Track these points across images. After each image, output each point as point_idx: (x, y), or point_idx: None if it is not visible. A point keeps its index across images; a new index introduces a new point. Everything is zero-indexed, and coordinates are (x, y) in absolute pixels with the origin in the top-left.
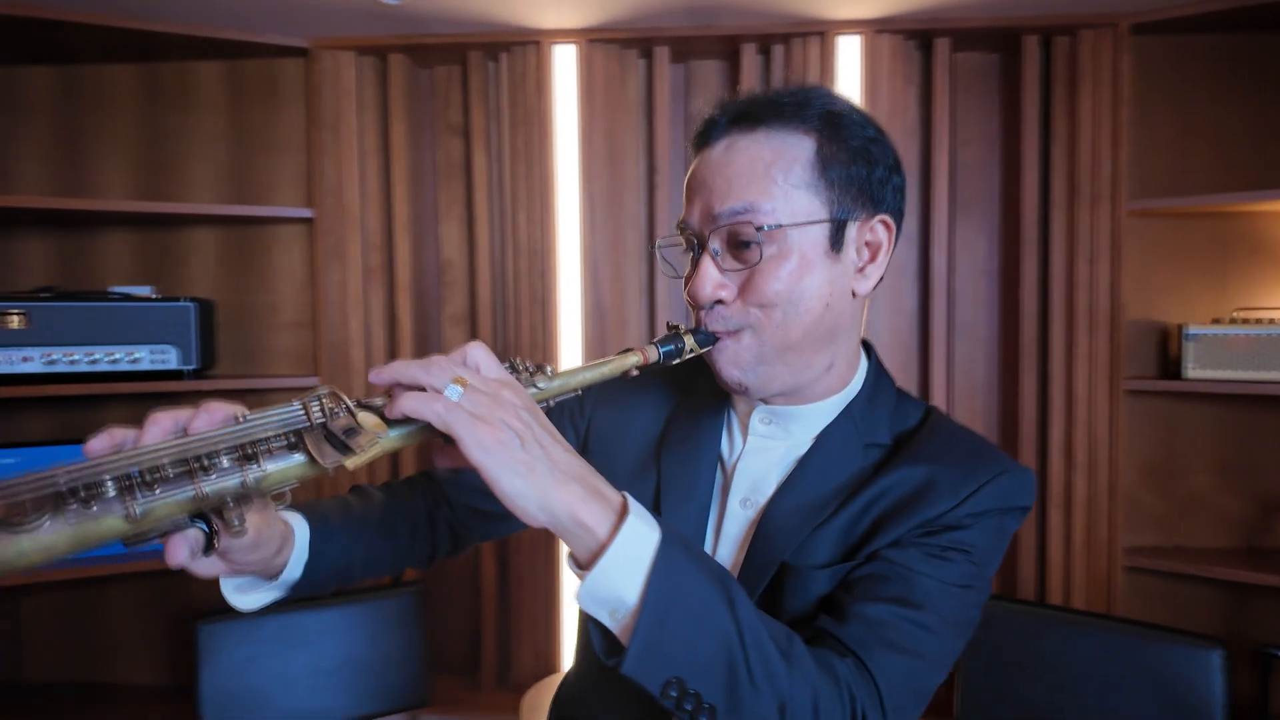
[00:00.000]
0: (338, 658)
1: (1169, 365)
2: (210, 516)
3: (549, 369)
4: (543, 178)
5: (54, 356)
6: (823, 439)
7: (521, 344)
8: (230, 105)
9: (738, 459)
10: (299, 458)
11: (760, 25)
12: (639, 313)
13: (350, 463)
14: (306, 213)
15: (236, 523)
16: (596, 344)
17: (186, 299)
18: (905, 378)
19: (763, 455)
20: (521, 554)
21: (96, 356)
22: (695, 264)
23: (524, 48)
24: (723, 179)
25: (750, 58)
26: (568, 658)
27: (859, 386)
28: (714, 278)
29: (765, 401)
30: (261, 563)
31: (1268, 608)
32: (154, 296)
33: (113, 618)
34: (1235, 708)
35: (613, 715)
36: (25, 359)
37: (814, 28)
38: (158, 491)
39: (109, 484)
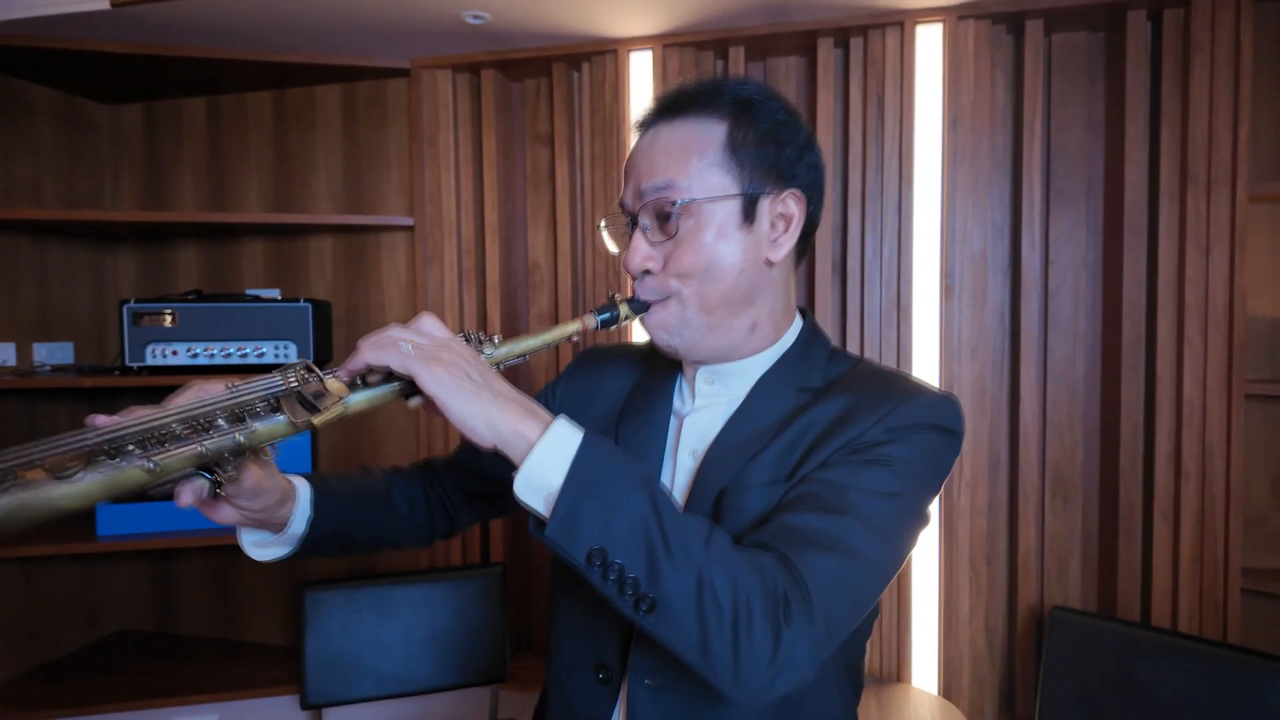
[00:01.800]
0: (426, 630)
1: None
2: (214, 468)
3: (496, 338)
4: (620, 183)
5: (196, 351)
6: (758, 386)
7: (600, 341)
8: (345, 124)
9: (686, 416)
10: (281, 418)
11: (836, 19)
12: None
13: (317, 420)
14: (408, 220)
15: (233, 471)
16: None
17: (304, 300)
18: (993, 379)
19: (707, 411)
20: None
21: (230, 351)
22: (629, 238)
23: (603, 57)
24: (648, 161)
25: (827, 51)
26: None
27: (790, 343)
28: (643, 250)
29: (702, 363)
30: (265, 512)
31: None
32: (279, 298)
33: (248, 581)
34: None
35: (564, 676)
36: (173, 353)
37: (892, 18)
38: (169, 447)
39: (131, 443)
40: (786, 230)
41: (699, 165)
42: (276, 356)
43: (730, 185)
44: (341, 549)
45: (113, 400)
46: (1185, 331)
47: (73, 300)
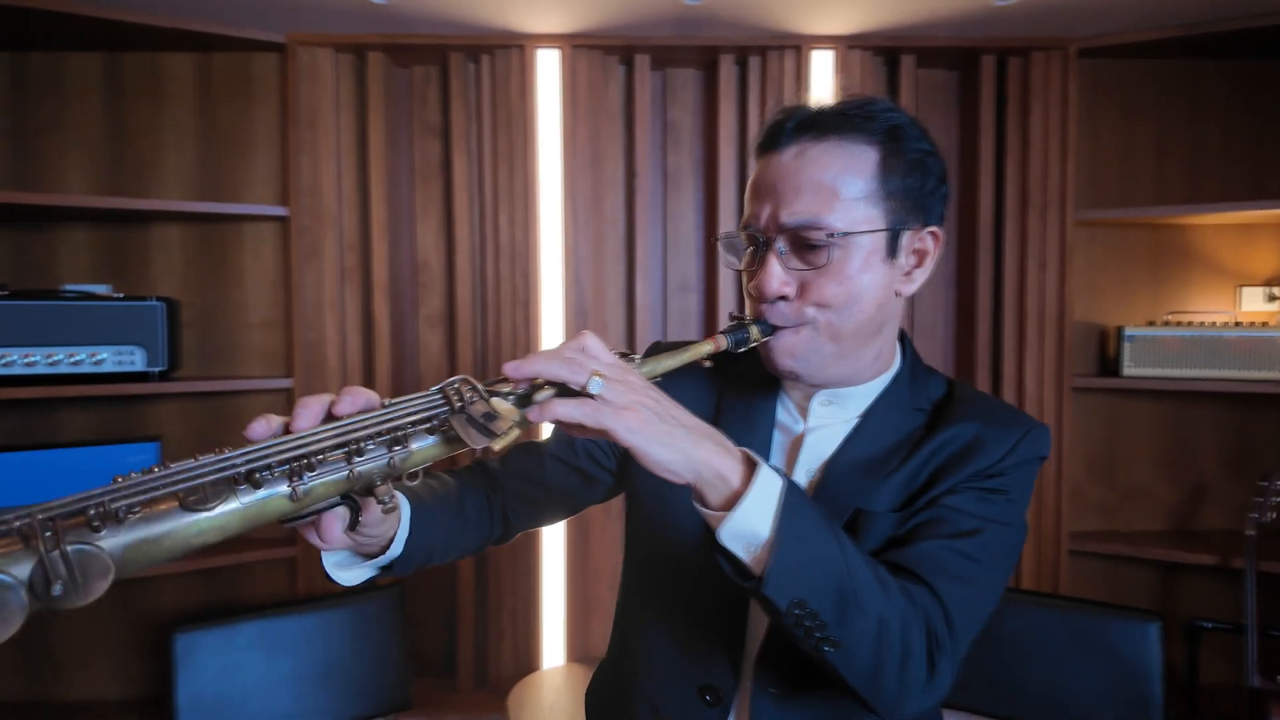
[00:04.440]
0: (318, 662)
1: (1108, 364)
2: (354, 495)
3: (635, 357)
4: (526, 180)
5: (11, 358)
6: (875, 407)
7: (503, 345)
8: (199, 99)
9: (803, 435)
10: (435, 440)
11: (738, 38)
12: (620, 315)
13: (496, 444)
14: (281, 211)
15: (388, 499)
16: None
17: (154, 298)
18: None
19: (827, 430)
20: (500, 552)
21: (57, 358)
22: (761, 260)
23: (507, 51)
24: (792, 185)
25: (728, 68)
26: (549, 655)
27: (898, 367)
28: (779, 275)
29: (819, 388)
30: (382, 538)
31: (1195, 584)
32: (115, 295)
33: (61, 629)
34: (1168, 675)
35: (658, 698)
36: None
37: (789, 42)
38: (317, 473)
39: (276, 467)
40: (920, 265)
41: (848, 195)
42: (120, 364)
43: (878, 218)
44: (421, 564)
45: None
46: (1026, 335)
47: None
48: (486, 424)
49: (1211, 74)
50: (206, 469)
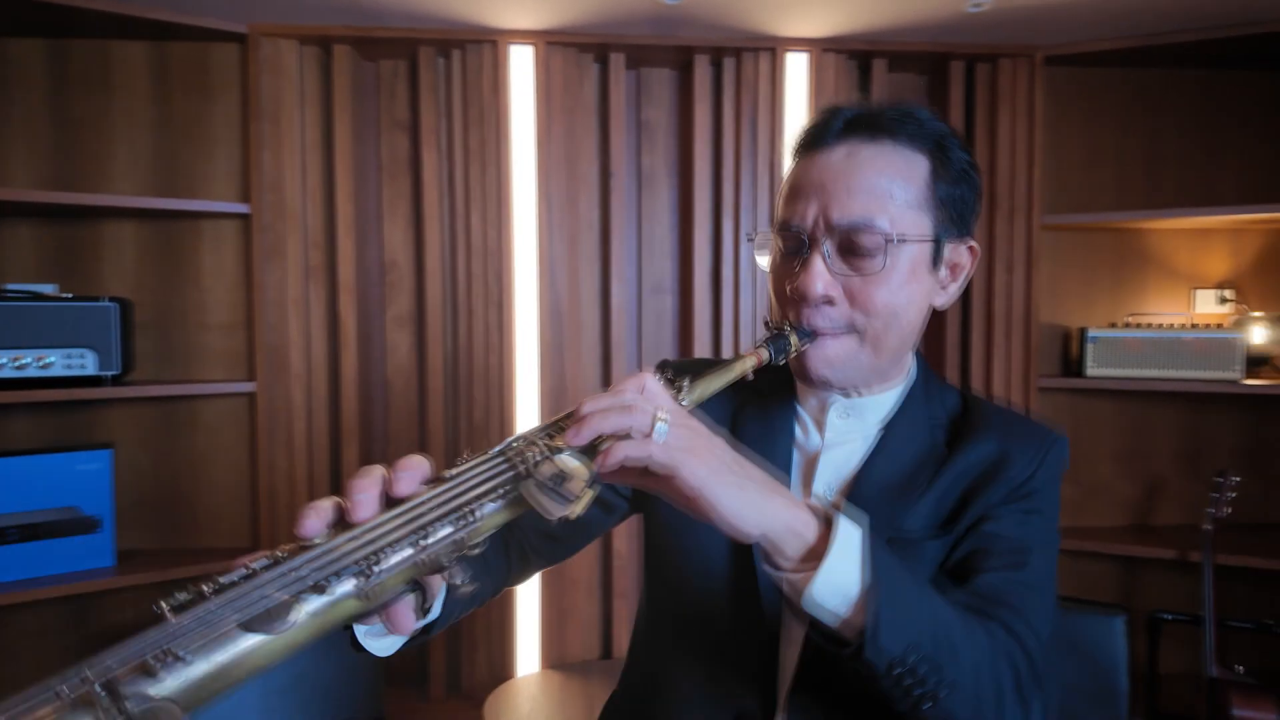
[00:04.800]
0: (285, 673)
1: (1071, 365)
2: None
3: (684, 385)
4: (499, 178)
5: None
6: (894, 424)
7: (475, 346)
8: (155, 90)
9: (819, 452)
10: (501, 507)
11: (713, 38)
12: (595, 316)
13: (574, 511)
14: (242, 208)
15: (461, 580)
16: (554, 346)
17: (108, 298)
18: None
19: (843, 448)
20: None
21: (0, 362)
22: (804, 263)
23: (479, 46)
24: (845, 186)
25: (703, 69)
26: (523, 663)
27: (914, 375)
28: (825, 277)
29: (844, 394)
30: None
31: (1155, 578)
32: (64, 295)
33: (18, 644)
34: (1133, 666)
35: None
36: None
37: (765, 44)
38: (386, 566)
39: (347, 571)
40: (955, 279)
41: (901, 201)
42: (70, 368)
43: (927, 227)
44: (450, 622)
45: None
46: (994, 336)
47: None
48: (558, 487)
49: (1169, 83)
50: (267, 584)
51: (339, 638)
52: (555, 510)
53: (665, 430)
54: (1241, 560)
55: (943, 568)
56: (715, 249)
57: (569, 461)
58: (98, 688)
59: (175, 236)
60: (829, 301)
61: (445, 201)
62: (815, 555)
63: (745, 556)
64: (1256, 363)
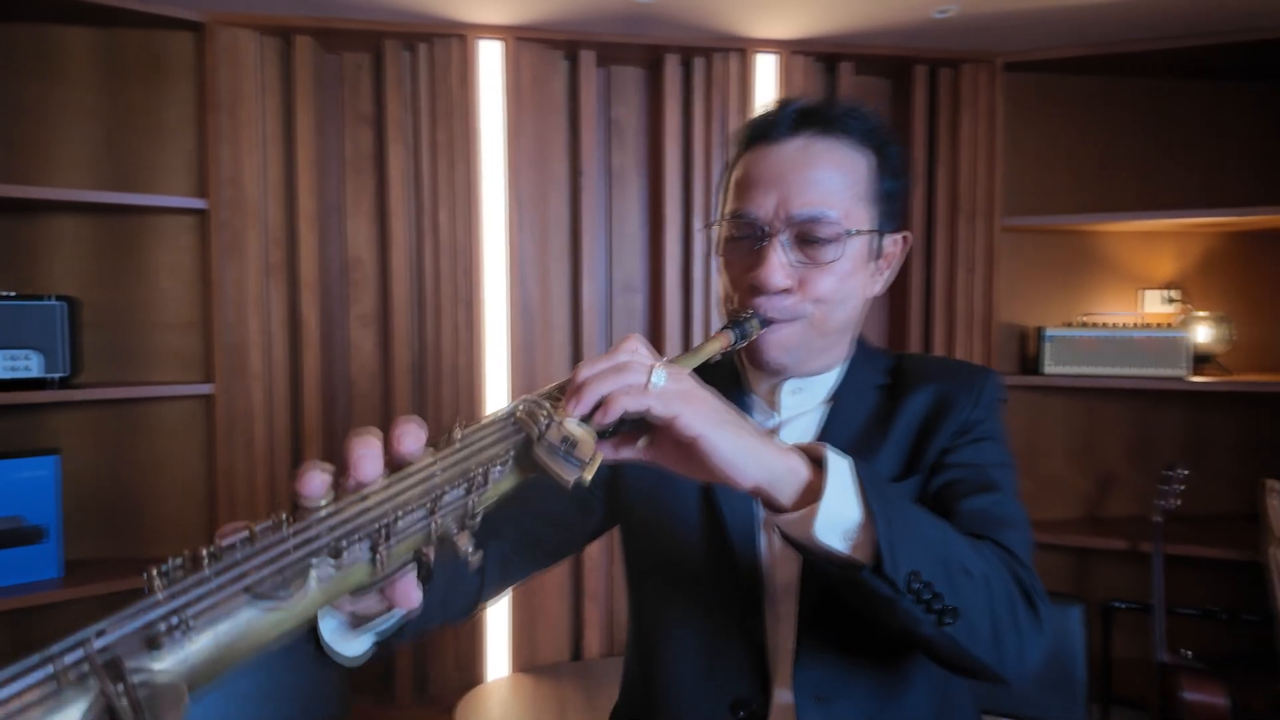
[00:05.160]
0: (246, 681)
1: (1028, 363)
2: (423, 549)
3: (661, 358)
4: (468, 174)
5: None
6: (840, 394)
7: (443, 345)
8: (103, 79)
9: (777, 427)
10: (510, 474)
11: (684, 38)
12: (565, 315)
13: (587, 475)
14: (199, 203)
15: (471, 548)
16: (524, 346)
17: (54, 297)
18: None
19: (800, 420)
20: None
21: None
22: (761, 253)
23: (446, 40)
24: (803, 178)
25: (673, 68)
26: (494, 667)
27: (853, 350)
28: (783, 269)
29: (791, 378)
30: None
31: (1106, 568)
32: (7, 294)
33: None
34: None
35: None
36: None
37: (734, 44)
38: (398, 534)
39: (361, 536)
40: (888, 267)
41: (852, 195)
42: (13, 370)
43: (871, 220)
44: (418, 633)
45: None
46: (955, 335)
47: None
48: (570, 452)
49: (1120, 91)
50: (276, 547)
51: (300, 642)
52: (569, 474)
53: (662, 379)
54: (1189, 550)
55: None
56: (685, 248)
57: (575, 428)
58: (99, 662)
59: (127, 232)
60: (785, 290)
61: (411, 197)
62: (813, 493)
63: (722, 542)
64: (1201, 360)
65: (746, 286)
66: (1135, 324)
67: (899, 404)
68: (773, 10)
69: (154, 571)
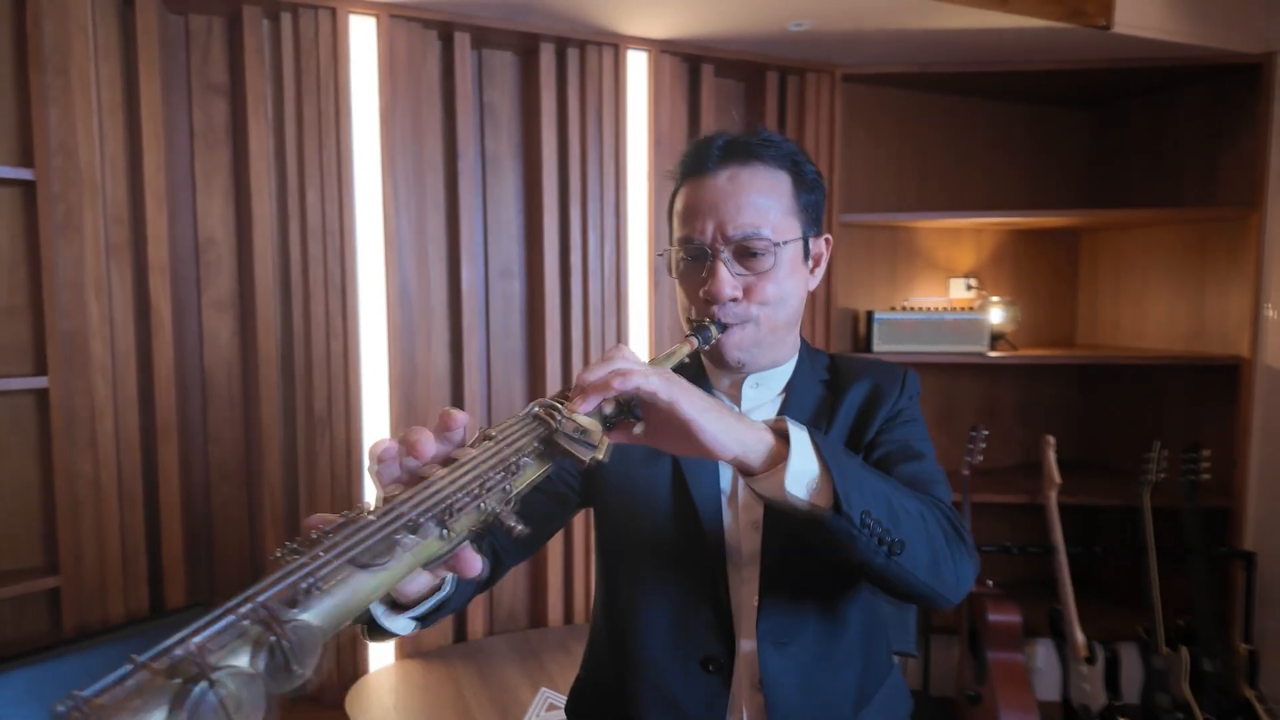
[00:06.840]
0: None
1: (860, 342)
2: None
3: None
4: (338, 153)
5: None
6: (792, 386)
7: (314, 332)
8: None
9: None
10: (536, 461)
11: (558, 29)
12: (443, 300)
13: (600, 454)
14: (24, 174)
15: (518, 525)
16: (403, 332)
17: None
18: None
19: (760, 409)
20: None
21: None
22: (710, 270)
23: (313, 11)
24: (734, 204)
25: (548, 57)
26: (376, 656)
27: (800, 349)
28: (731, 281)
29: (751, 373)
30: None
31: None
32: None
33: None
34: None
35: (664, 681)
36: None
37: (608, 39)
38: (457, 513)
39: (431, 514)
40: (819, 266)
41: (778, 211)
42: None
43: (797, 229)
44: (449, 611)
45: None
46: (814, 320)
47: None
48: (583, 438)
49: (933, 105)
50: (368, 528)
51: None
52: (585, 455)
53: (657, 378)
54: (989, 498)
55: None
56: (563, 235)
57: (584, 419)
58: (263, 613)
59: None
60: (734, 299)
61: (273, 175)
62: (779, 457)
63: (693, 521)
64: (995, 338)
65: (701, 299)
66: (945, 308)
67: (840, 396)
68: (643, 9)
69: (279, 551)
